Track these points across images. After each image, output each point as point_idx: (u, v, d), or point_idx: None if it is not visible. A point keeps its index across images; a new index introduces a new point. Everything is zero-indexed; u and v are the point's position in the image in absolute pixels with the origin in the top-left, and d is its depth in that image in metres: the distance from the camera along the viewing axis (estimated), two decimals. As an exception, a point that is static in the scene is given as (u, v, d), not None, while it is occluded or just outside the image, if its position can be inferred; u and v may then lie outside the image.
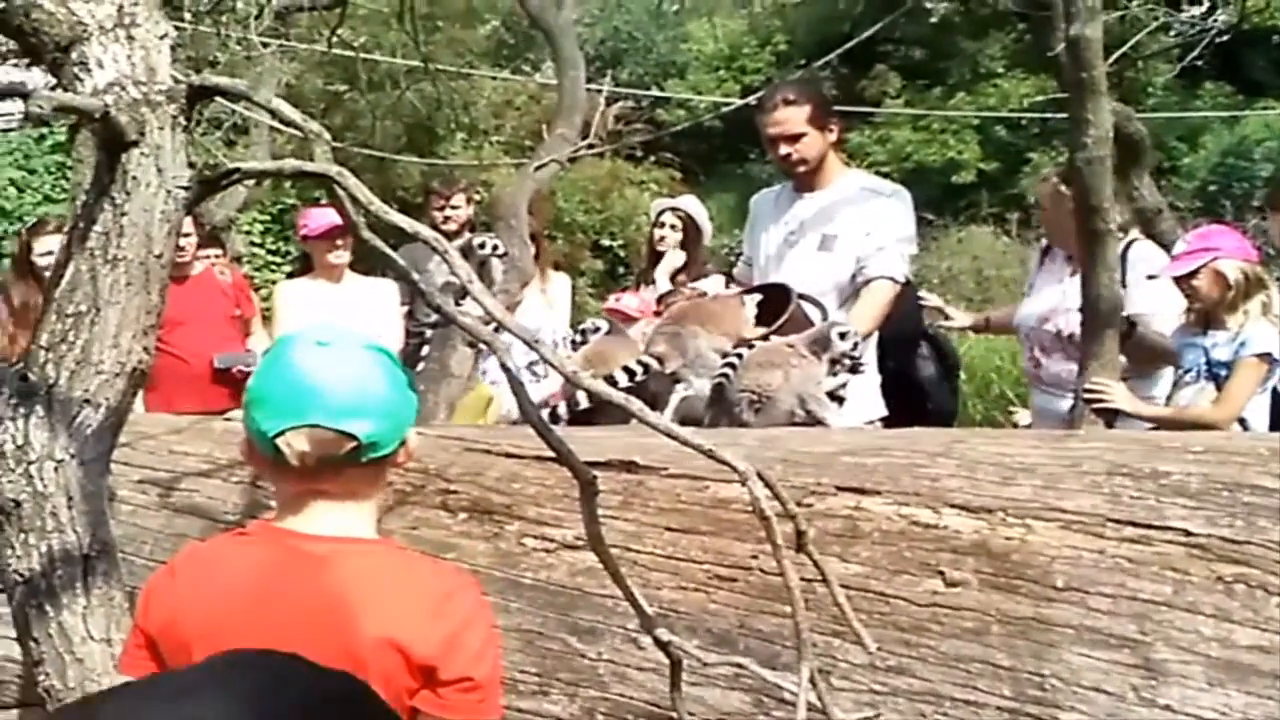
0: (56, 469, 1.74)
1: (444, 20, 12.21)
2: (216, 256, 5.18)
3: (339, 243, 4.47)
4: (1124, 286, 3.43)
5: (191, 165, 1.81)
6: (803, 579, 1.43)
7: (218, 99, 2.41)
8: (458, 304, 2.87)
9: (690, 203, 5.08)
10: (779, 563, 1.39)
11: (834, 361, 3.05)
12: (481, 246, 3.98)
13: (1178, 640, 1.57)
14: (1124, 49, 5.02)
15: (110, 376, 1.76)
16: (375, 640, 1.50)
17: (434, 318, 3.92)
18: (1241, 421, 3.28)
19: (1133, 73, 12.84)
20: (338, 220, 3.72)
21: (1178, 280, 3.43)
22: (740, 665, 1.63)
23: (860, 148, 15.03)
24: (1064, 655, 1.62)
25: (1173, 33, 9.82)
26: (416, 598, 1.56)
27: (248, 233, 11.69)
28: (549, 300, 4.94)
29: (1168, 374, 3.63)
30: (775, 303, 3.28)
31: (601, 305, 5.87)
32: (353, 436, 1.55)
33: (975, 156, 15.43)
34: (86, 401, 1.75)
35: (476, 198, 6.06)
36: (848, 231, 3.55)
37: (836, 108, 3.99)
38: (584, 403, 3.08)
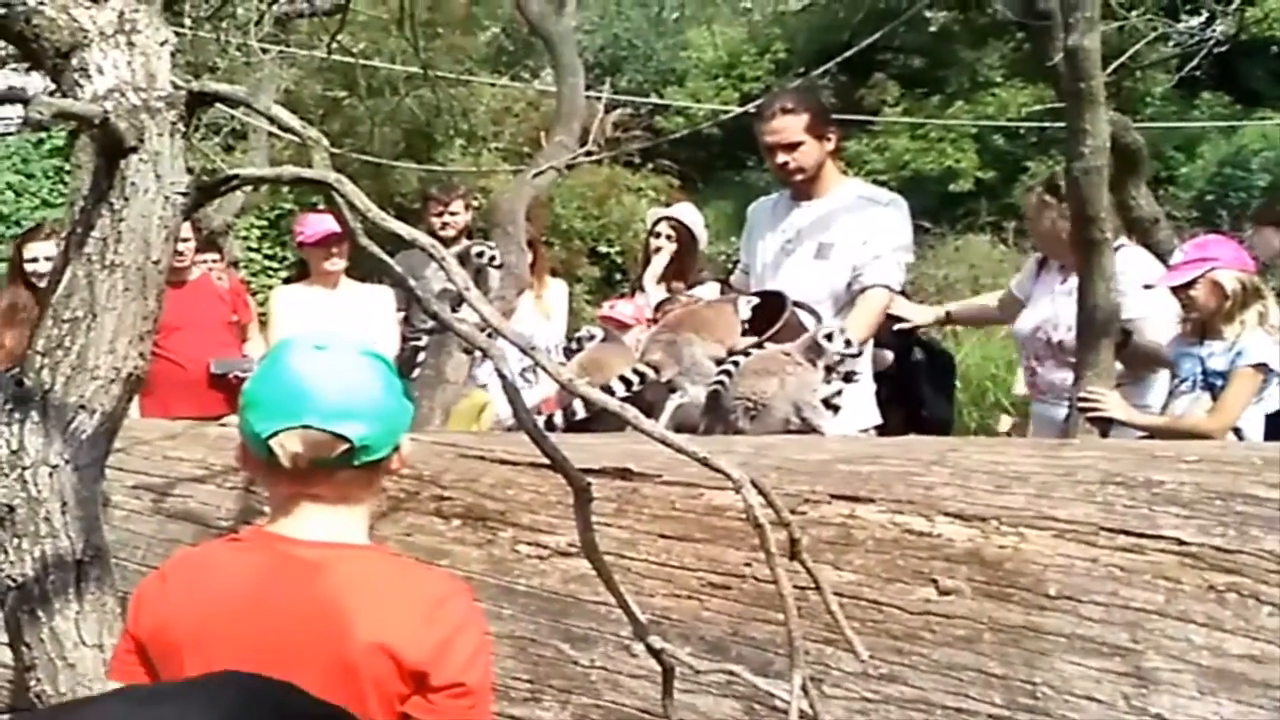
0: (51, 474, 1.73)
1: (444, 27, 12.20)
2: (214, 262, 5.20)
3: (335, 250, 4.47)
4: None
5: (190, 171, 1.81)
6: (796, 586, 1.43)
7: (217, 104, 2.40)
8: (454, 310, 2.87)
9: (685, 211, 5.07)
10: (772, 570, 1.40)
11: (829, 368, 3.06)
12: (479, 255, 3.98)
13: (1169, 649, 1.58)
14: (1122, 59, 5.01)
15: (106, 382, 1.75)
16: (366, 646, 1.50)
17: (430, 324, 3.92)
18: (1236, 431, 3.29)
19: (1131, 82, 12.86)
20: (334, 227, 3.72)
21: (1175, 290, 3.44)
22: (733, 673, 1.62)
23: (858, 156, 15.01)
24: (1056, 663, 1.63)
25: (1171, 43, 9.86)
26: (409, 603, 1.55)
27: (244, 238, 11.67)
28: (546, 307, 4.94)
29: (1161, 381, 3.64)
30: (771, 310, 3.28)
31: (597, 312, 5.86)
32: (345, 439, 1.55)
33: (973, 165, 15.42)
34: (82, 407, 1.74)
35: (475, 204, 6.07)
36: (844, 240, 3.56)
37: (835, 116, 4.01)
38: (581, 412, 3.07)
